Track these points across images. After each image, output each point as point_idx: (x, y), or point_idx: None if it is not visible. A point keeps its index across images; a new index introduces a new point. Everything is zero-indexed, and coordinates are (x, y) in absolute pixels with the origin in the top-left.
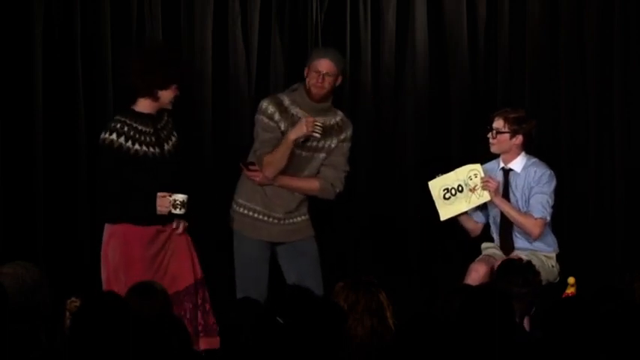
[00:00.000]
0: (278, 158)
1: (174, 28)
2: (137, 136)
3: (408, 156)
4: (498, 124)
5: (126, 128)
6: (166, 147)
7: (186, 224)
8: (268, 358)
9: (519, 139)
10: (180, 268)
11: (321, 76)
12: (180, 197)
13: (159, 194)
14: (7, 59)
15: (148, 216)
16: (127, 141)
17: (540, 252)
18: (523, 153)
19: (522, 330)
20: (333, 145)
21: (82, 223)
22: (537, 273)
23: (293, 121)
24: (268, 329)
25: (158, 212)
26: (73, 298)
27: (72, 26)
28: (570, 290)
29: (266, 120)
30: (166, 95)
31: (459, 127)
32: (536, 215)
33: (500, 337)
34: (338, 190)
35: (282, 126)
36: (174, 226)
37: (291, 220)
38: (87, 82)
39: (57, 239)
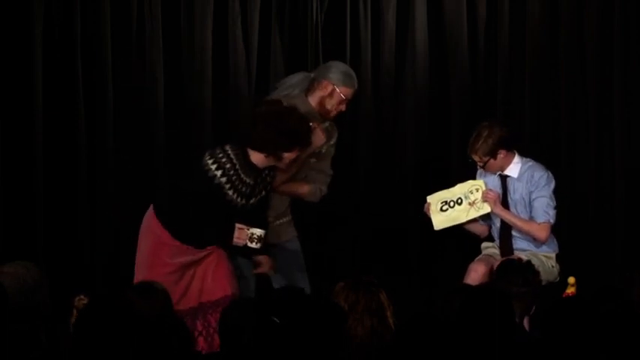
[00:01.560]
0: (292, 169)
1: (175, 28)
2: (237, 183)
3: (408, 156)
4: (476, 159)
5: (232, 172)
6: (252, 200)
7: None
8: (269, 359)
9: (502, 152)
10: (213, 280)
11: (344, 104)
12: (258, 231)
13: (237, 226)
14: (7, 59)
15: (205, 243)
16: (226, 183)
17: (540, 252)
18: (516, 157)
19: (522, 330)
20: (323, 151)
21: (82, 223)
22: (537, 273)
23: None
24: (268, 330)
25: (234, 244)
26: (81, 296)
27: (72, 26)
28: (570, 290)
29: None
30: (288, 157)
31: (459, 127)
32: (540, 220)
33: (500, 337)
34: (323, 194)
35: None
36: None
37: (277, 222)
38: (87, 82)
39: (57, 239)
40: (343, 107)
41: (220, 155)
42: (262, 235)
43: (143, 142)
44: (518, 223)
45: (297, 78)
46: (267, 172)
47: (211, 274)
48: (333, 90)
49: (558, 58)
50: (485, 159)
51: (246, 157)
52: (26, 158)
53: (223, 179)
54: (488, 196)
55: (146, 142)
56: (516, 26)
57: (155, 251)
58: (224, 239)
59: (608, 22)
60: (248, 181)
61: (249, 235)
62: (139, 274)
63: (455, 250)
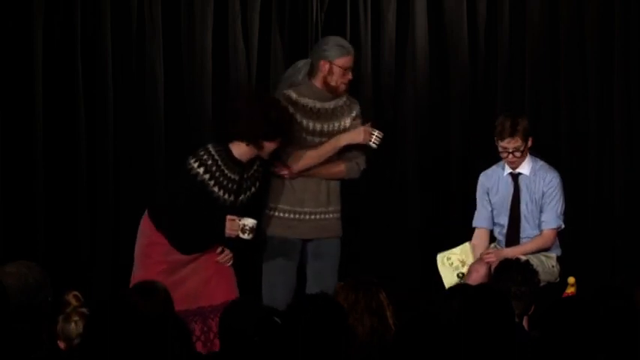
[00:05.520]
0: (316, 156)
1: (175, 28)
2: (221, 179)
3: (408, 156)
4: (516, 143)
5: (214, 168)
6: (242, 197)
7: (231, 255)
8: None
9: (531, 140)
10: (215, 285)
11: (349, 73)
12: (249, 222)
13: (228, 217)
14: (7, 59)
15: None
16: (210, 179)
17: (540, 253)
18: (528, 155)
19: (522, 330)
20: (347, 125)
21: (82, 223)
22: (535, 272)
23: (306, 112)
24: (270, 330)
25: (226, 235)
26: (74, 292)
27: (72, 26)
28: (570, 290)
29: None
30: (269, 147)
31: (459, 127)
32: (553, 226)
33: (500, 337)
34: (362, 168)
35: (298, 117)
36: (217, 251)
37: (322, 216)
38: (87, 82)
39: (57, 239)
40: (349, 76)
41: (202, 154)
42: (254, 226)
43: (143, 142)
44: (530, 250)
45: (297, 66)
46: (255, 168)
47: (214, 279)
48: (331, 66)
49: (558, 58)
50: (524, 145)
51: (229, 152)
52: (26, 158)
53: (206, 176)
54: (490, 258)
55: (146, 142)
56: (516, 26)
57: (146, 252)
58: (217, 238)
59: (608, 22)
60: (232, 176)
61: (240, 226)
62: (134, 277)
63: None
